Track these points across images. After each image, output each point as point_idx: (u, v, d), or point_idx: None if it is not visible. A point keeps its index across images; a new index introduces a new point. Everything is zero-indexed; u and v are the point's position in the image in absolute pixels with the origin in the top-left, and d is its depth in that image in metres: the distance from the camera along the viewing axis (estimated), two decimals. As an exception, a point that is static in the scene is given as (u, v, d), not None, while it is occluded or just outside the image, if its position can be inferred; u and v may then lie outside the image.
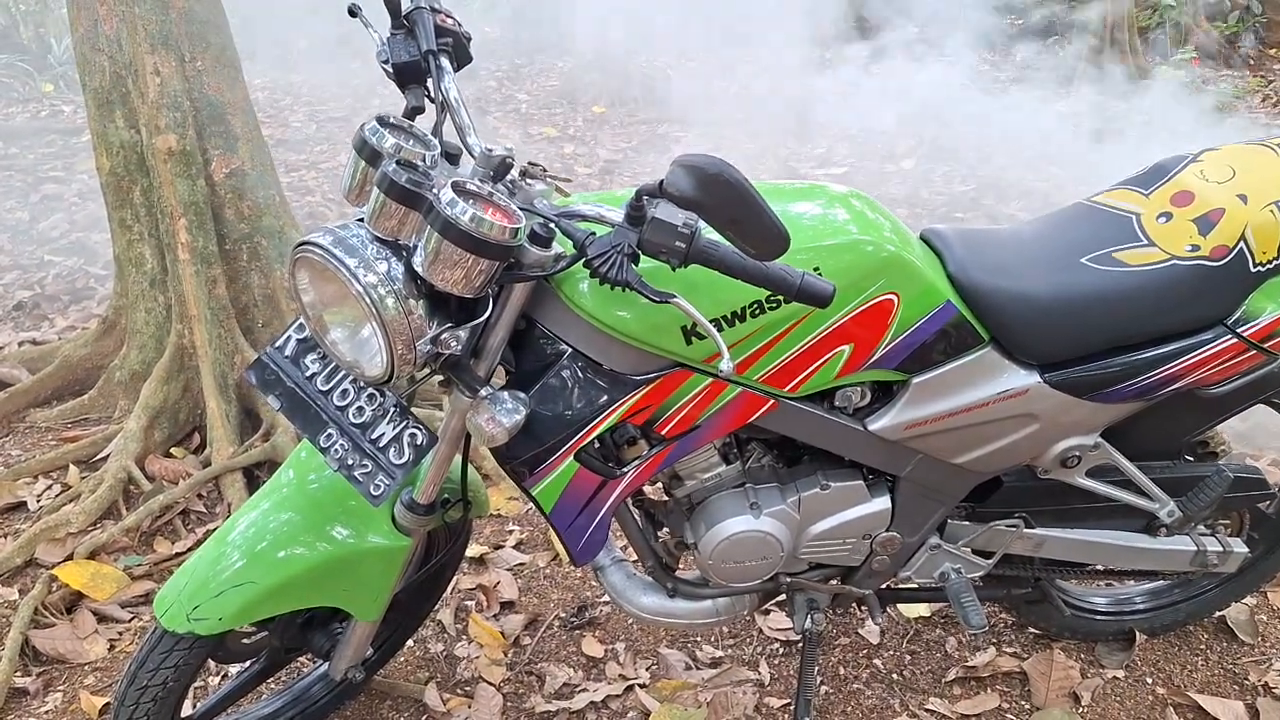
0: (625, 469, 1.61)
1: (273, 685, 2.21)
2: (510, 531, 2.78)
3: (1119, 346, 1.71)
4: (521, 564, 2.65)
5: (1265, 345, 1.72)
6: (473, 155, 1.49)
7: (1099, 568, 2.09)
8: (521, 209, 1.35)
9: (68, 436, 3.23)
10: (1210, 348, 1.71)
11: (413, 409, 1.55)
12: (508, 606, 2.50)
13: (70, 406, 3.36)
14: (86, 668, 2.34)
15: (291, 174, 6.00)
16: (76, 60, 3.12)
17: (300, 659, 2.21)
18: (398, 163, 1.33)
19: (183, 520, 2.84)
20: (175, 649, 1.67)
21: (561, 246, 1.39)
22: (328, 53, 8.23)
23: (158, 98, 2.96)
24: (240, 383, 3.15)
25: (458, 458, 1.71)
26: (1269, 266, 1.68)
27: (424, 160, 1.40)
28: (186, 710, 1.93)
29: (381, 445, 1.53)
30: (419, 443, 1.52)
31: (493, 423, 1.45)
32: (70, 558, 2.64)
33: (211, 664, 2.29)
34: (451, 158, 1.52)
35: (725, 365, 1.32)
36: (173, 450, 3.12)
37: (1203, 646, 2.32)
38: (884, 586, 1.99)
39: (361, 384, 1.56)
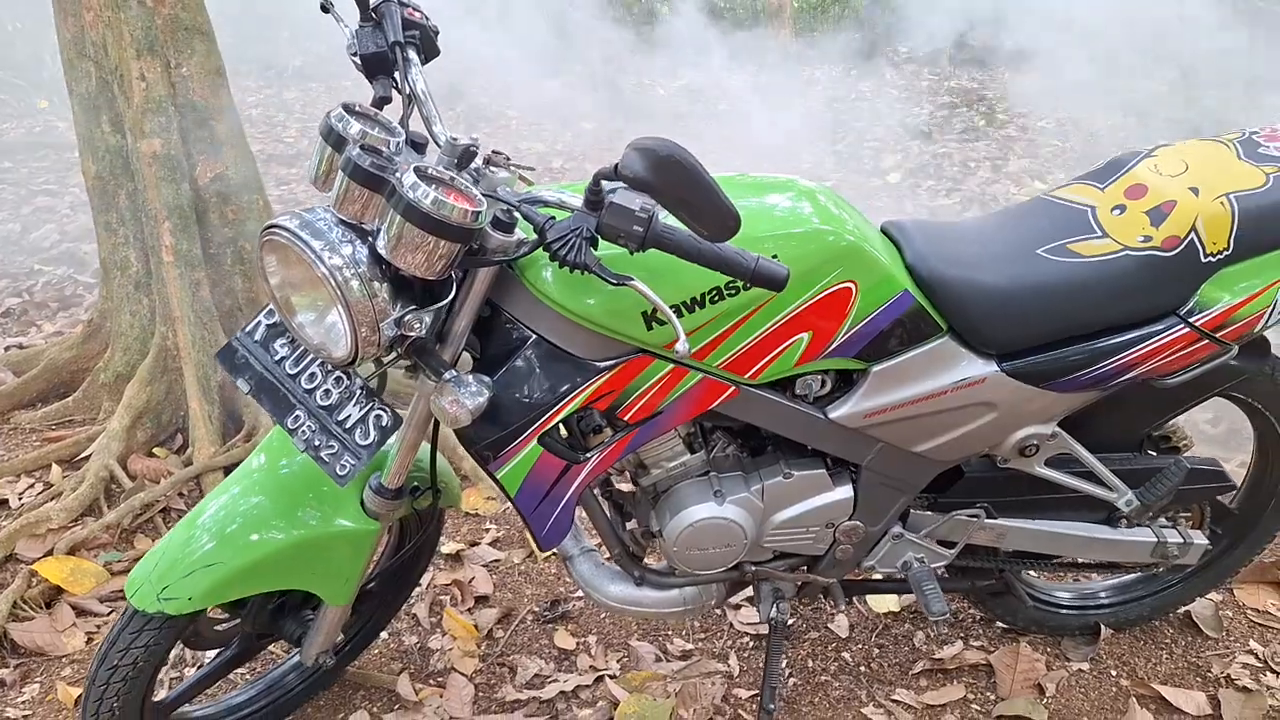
0: (589, 454, 1.64)
1: (246, 675, 2.23)
2: (487, 529, 2.81)
3: (1074, 336, 1.75)
4: (497, 560, 2.67)
5: (1217, 335, 1.75)
6: (438, 144, 1.53)
7: (1063, 560, 2.12)
8: (484, 195, 1.39)
9: (51, 437, 3.26)
10: (1163, 337, 1.74)
11: (390, 405, 1.58)
12: (482, 601, 2.52)
13: (54, 408, 3.38)
14: (64, 660, 2.36)
15: (282, 186, 6.05)
16: (63, 65, 3.16)
17: (274, 649, 2.24)
18: (362, 147, 1.37)
19: (164, 518, 2.85)
20: (145, 629, 1.69)
21: (524, 232, 1.42)
22: (321, 70, 8.29)
23: (143, 102, 3.00)
24: (223, 384, 3.17)
25: (427, 447, 1.75)
26: (1220, 257, 1.72)
27: (389, 146, 1.43)
28: (160, 696, 1.95)
29: (348, 427, 1.56)
30: (384, 424, 1.54)
31: (456, 405, 1.48)
32: (50, 553, 2.66)
33: (188, 655, 2.31)
34: (418, 147, 1.55)
35: (681, 346, 1.34)
36: (155, 450, 3.14)
37: (1168, 640, 2.34)
38: (848, 576, 2.02)
39: (329, 367, 1.59)
